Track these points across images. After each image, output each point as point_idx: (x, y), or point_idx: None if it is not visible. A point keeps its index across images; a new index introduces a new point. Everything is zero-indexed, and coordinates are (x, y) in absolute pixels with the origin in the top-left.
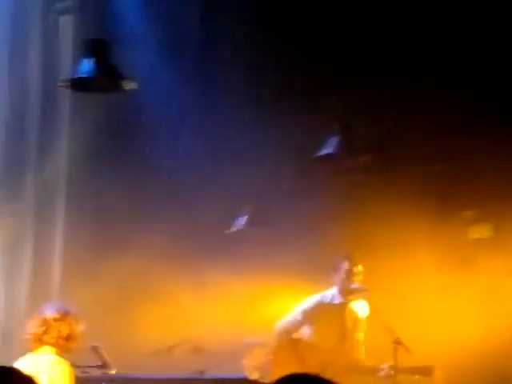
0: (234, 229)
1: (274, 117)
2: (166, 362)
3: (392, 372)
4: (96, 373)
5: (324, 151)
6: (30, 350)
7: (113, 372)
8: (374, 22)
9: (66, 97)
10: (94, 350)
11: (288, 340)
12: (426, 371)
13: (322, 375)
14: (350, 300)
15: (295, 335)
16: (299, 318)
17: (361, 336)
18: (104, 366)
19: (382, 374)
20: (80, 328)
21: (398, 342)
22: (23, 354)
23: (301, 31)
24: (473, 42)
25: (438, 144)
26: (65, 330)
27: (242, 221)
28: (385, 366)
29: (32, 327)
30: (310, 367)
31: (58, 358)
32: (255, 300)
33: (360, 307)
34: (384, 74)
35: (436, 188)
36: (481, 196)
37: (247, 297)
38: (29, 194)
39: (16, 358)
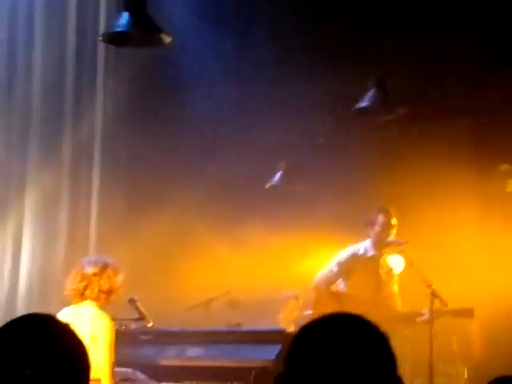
0: (269, 184)
1: (311, 71)
2: (204, 315)
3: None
4: (133, 326)
5: (360, 104)
6: (70, 304)
7: (150, 325)
8: None
9: (101, 53)
10: (131, 302)
11: (327, 293)
12: (467, 313)
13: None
14: (385, 253)
15: (333, 287)
16: (335, 270)
17: (395, 288)
18: (141, 318)
19: (422, 318)
20: (119, 279)
21: (434, 295)
22: (62, 308)
23: None
24: None
25: (475, 97)
26: (105, 283)
27: (276, 176)
28: (424, 310)
29: (72, 283)
30: None
31: (99, 311)
32: (291, 254)
33: (395, 261)
34: (421, 28)
35: (473, 141)
36: None
37: (283, 251)
38: (65, 153)
39: (54, 313)
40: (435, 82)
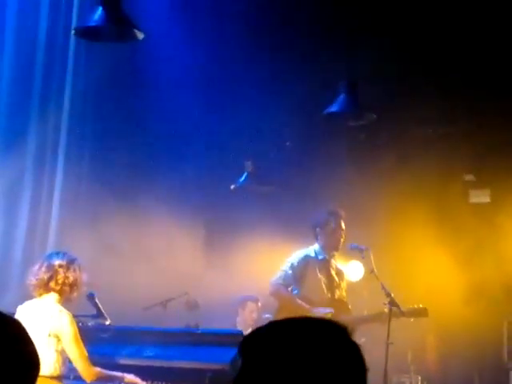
0: (234, 185)
1: (280, 73)
2: (161, 316)
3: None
4: (90, 323)
5: (330, 109)
6: (30, 297)
7: (107, 322)
8: None
9: (72, 47)
10: (90, 298)
11: (290, 296)
12: (423, 312)
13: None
14: (334, 256)
15: (289, 290)
16: (290, 272)
17: (344, 293)
18: (99, 315)
19: (378, 320)
20: (84, 277)
21: (393, 304)
22: (20, 300)
23: None
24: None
25: (443, 107)
26: (70, 276)
27: (242, 178)
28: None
29: (37, 273)
30: None
31: (60, 307)
32: (253, 256)
33: (355, 268)
34: (390, 35)
35: (439, 150)
36: (479, 160)
37: (245, 253)
38: (30, 146)
39: (13, 305)
40: (404, 89)
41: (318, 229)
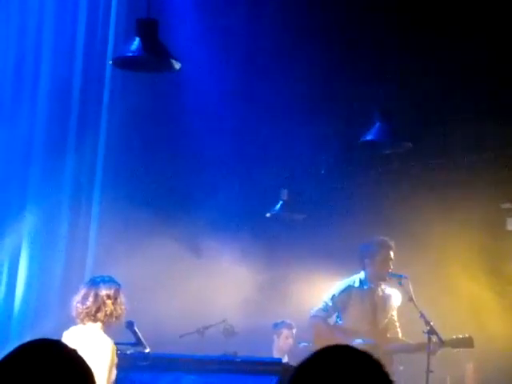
0: (270, 213)
1: (315, 102)
2: (198, 343)
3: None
4: (129, 350)
5: (366, 137)
6: (69, 324)
7: (146, 351)
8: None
9: (108, 77)
10: (129, 326)
11: (327, 327)
12: (467, 342)
13: None
14: (381, 285)
15: (330, 322)
16: (330, 304)
17: (394, 315)
18: (138, 343)
19: (430, 350)
20: (127, 307)
21: (432, 332)
22: (59, 328)
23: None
24: None
25: (477, 135)
26: (118, 309)
27: (278, 205)
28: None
29: (84, 302)
30: None
31: (103, 335)
32: (289, 283)
33: (394, 296)
34: (428, 64)
35: (475, 178)
36: None
37: (281, 280)
38: (67, 175)
39: (52, 333)
40: (439, 118)
41: (366, 260)
